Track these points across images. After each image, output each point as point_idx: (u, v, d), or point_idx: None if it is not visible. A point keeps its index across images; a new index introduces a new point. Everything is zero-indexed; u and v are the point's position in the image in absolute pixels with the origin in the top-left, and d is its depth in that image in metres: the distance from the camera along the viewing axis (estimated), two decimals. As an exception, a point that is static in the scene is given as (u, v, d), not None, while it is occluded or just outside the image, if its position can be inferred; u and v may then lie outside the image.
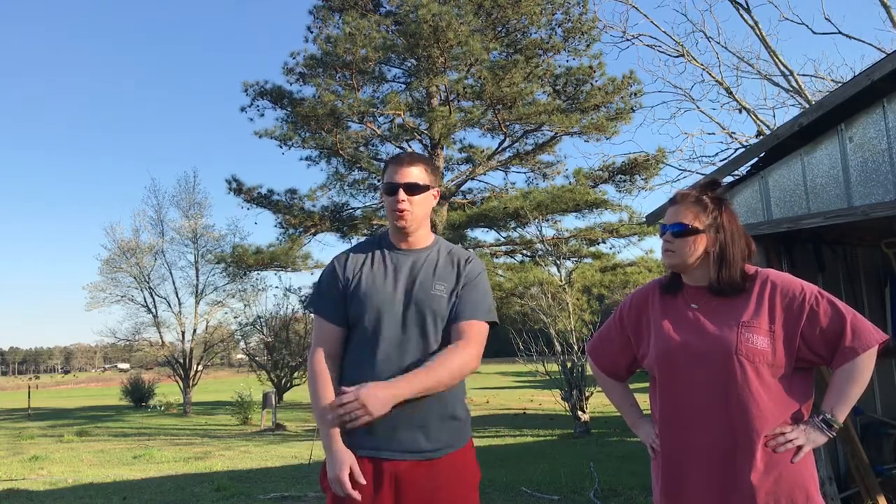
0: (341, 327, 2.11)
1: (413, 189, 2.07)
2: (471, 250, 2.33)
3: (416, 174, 2.08)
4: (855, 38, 14.58)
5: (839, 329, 1.83)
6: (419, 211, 2.09)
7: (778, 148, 4.68)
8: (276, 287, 37.38)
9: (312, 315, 2.19)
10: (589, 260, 19.59)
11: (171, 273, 26.00)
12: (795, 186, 4.63)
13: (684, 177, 16.87)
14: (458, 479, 2.04)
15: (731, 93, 15.63)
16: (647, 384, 2.07)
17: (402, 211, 2.06)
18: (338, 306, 2.11)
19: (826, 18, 24.56)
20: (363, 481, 1.93)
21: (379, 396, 1.88)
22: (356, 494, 1.91)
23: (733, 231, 1.94)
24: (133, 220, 34.65)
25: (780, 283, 1.90)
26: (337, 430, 1.97)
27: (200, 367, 26.14)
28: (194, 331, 25.65)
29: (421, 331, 2.03)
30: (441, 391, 2.01)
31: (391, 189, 2.07)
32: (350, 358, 2.09)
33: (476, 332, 2.04)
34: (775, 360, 1.84)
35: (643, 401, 2.12)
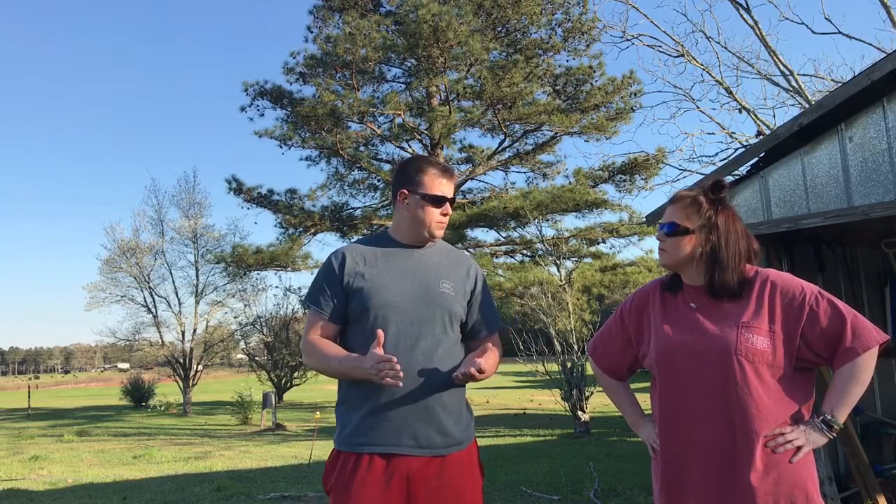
0: (336, 324, 2.14)
1: (453, 203, 2.22)
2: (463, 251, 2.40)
3: (453, 187, 2.22)
4: (855, 38, 14.64)
5: (839, 329, 1.83)
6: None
7: (778, 148, 4.68)
8: (276, 287, 37.47)
9: (307, 310, 2.21)
10: (589, 260, 19.57)
11: (171, 273, 26.01)
12: (795, 186, 4.63)
13: (684, 177, 16.94)
14: (465, 478, 2.05)
15: (731, 93, 15.66)
16: (648, 384, 2.07)
17: (443, 224, 2.18)
18: (336, 302, 2.12)
19: (826, 18, 24.63)
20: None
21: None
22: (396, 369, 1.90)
23: (728, 232, 1.92)
24: (133, 220, 34.63)
25: (781, 284, 1.90)
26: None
27: (200, 367, 26.12)
28: (194, 331, 25.66)
29: (429, 327, 2.06)
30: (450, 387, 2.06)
31: (440, 201, 2.15)
32: (355, 354, 2.09)
33: (497, 339, 2.24)
34: (775, 360, 1.83)
35: (644, 400, 2.12)
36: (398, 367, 1.90)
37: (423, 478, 1.99)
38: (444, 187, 2.15)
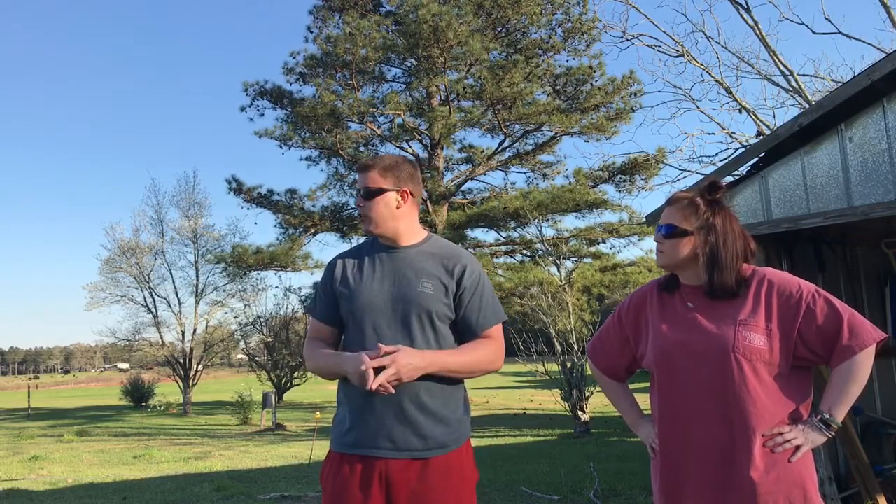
0: (332, 326, 2.20)
1: (368, 193, 2.14)
2: (460, 246, 2.35)
3: (369, 178, 2.15)
4: (855, 38, 14.63)
5: (836, 327, 1.83)
6: (378, 213, 2.14)
7: (778, 148, 4.68)
8: (276, 287, 37.58)
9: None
10: (589, 260, 19.59)
11: (171, 273, 26.01)
12: (795, 186, 4.63)
13: (684, 177, 16.93)
14: (451, 481, 2.03)
15: (731, 93, 15.64)
16: (647, 384, 2.07)
17: (361, 215, 2.18)
18: (328, 307, 2.18)
19: (826, 18, 24.66)
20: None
21: (412, 363, 1.95)
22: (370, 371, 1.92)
23: (727, 233, 1.92)
24: (133, 220, 34.53)
25: (778, 282, 1.90)
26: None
27: (200, 367, 26.12)
28: (194, 331, 25.66)
29: (405, 327, 2.05)
30: (440, 385, 2.05)
31: (357, 194, 2.21)
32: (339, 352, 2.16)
33: (496, 333, 2.16)
34: (772, 358, 1.84)
35: (643, 401, 2.13)
36: (370, 373, 1.92)
37: (403, 480, 1.99)
38: (357, 181, 2.23)
